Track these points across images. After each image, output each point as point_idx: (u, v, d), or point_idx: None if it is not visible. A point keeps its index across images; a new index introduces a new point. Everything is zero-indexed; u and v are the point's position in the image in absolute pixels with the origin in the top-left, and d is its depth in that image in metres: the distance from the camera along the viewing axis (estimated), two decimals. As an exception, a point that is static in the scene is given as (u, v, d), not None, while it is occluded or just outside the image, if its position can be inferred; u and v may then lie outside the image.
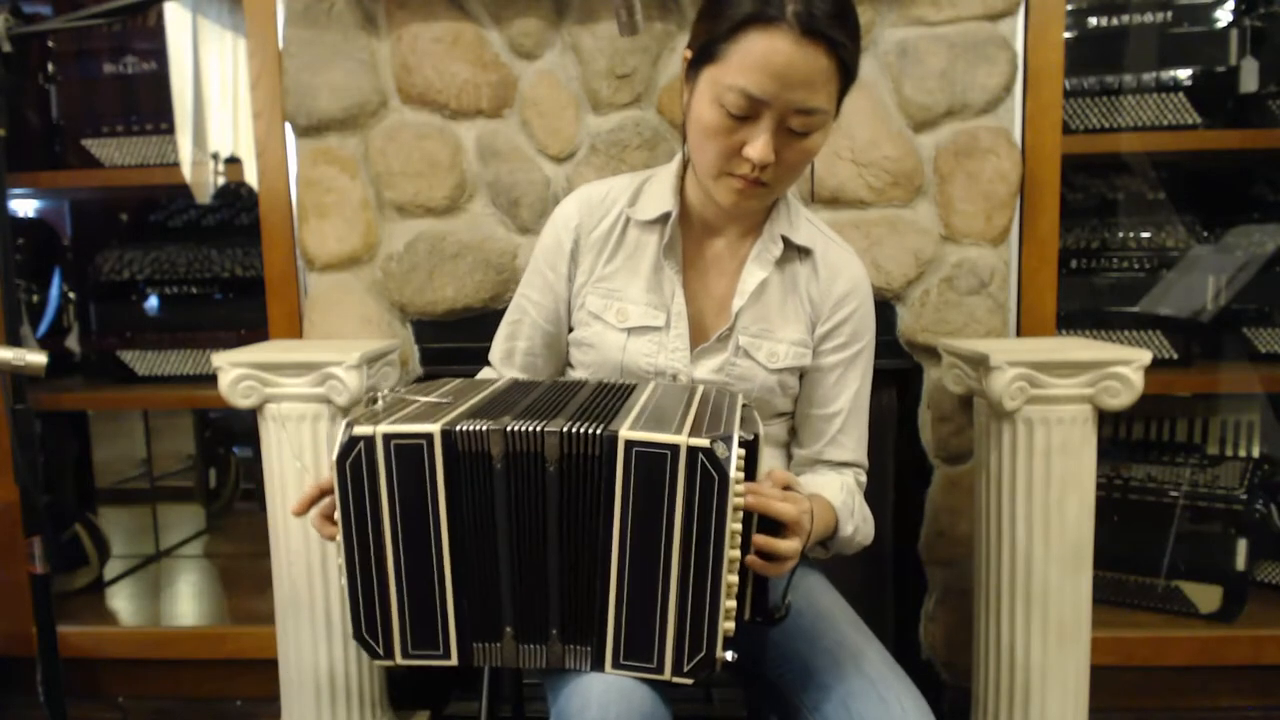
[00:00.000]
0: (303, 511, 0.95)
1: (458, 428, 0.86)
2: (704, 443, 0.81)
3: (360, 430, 0.85)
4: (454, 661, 0.90)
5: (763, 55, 0.92)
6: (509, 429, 0.86)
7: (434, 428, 0.85)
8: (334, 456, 0.86)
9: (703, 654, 0.84)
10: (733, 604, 0.84)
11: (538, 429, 0.85)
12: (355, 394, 1.47)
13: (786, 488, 0.92)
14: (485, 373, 1.25)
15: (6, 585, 1.81)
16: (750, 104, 0.94)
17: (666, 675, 0.85)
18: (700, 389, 1.00)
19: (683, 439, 0.82)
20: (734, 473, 0.82)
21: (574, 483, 0.87)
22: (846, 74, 0.96)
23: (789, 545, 0.87)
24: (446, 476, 0.86)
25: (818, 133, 0.98)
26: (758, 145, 0.96)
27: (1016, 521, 1.44)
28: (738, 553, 0.84)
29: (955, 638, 1.73)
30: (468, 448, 0.86)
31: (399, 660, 0.91)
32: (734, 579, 0.84)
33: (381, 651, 0.90)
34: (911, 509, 1.74)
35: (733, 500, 0.82)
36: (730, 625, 0.84)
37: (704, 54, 0.98)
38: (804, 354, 1.12)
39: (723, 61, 0.95)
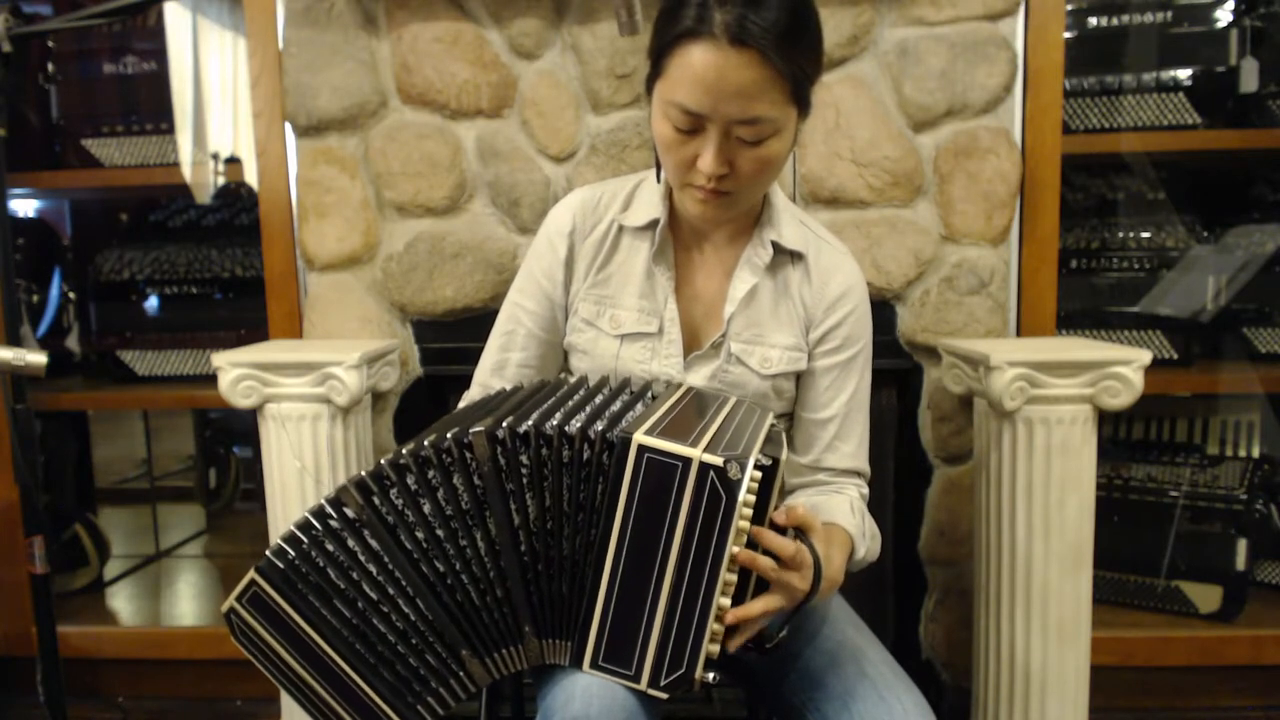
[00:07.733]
0: None
1: (268, 552, 0.88)
2: (717, 461, 0.80)
3: (224, 608, 0.90)
4: None
5: (695, 69, 0.90)
6: (362, 476, 0.86)
7: (251, 574, 0.88)
8: (236, 643, 0.91)
9: (681, 672, 0.83)
10: (720, 628, 0.83)
11: (449, 438, 0.85)
12: (355, 394, 1.47)
13: (800, 529, 0.89)
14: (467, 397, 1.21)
15: (6, 585, 1.82)
16: (690, 118, 0.93)
17: (642, 686, 0.84)
18: (733, 399, 0.99)
19: (696, 453, 0.80)
20: (744, 495, 0.80)
21: (538, 478, 0.86)
22: (794, 80, 0.92)
23: (761, 606, 0.85)
24: (289, 602, 0.88)
25: (772, 139, 0.95)
26: (706, 158, 0.94)
27: (1016, 521, 1.44)
28: (735, 577, 0.82)
29: (955, 638, 1.73)
30: (295, 553, 0.87)
31: None
32: (726, 602, 0.82)
33: None
34: (911, 509, 1.74)
35: (737, 524, 0.80)
36: (715, 649, 0.83)
37: (653, 69, 0.98)
38: (798, 358, 1.10)
39: (665, 77, 0.95)
